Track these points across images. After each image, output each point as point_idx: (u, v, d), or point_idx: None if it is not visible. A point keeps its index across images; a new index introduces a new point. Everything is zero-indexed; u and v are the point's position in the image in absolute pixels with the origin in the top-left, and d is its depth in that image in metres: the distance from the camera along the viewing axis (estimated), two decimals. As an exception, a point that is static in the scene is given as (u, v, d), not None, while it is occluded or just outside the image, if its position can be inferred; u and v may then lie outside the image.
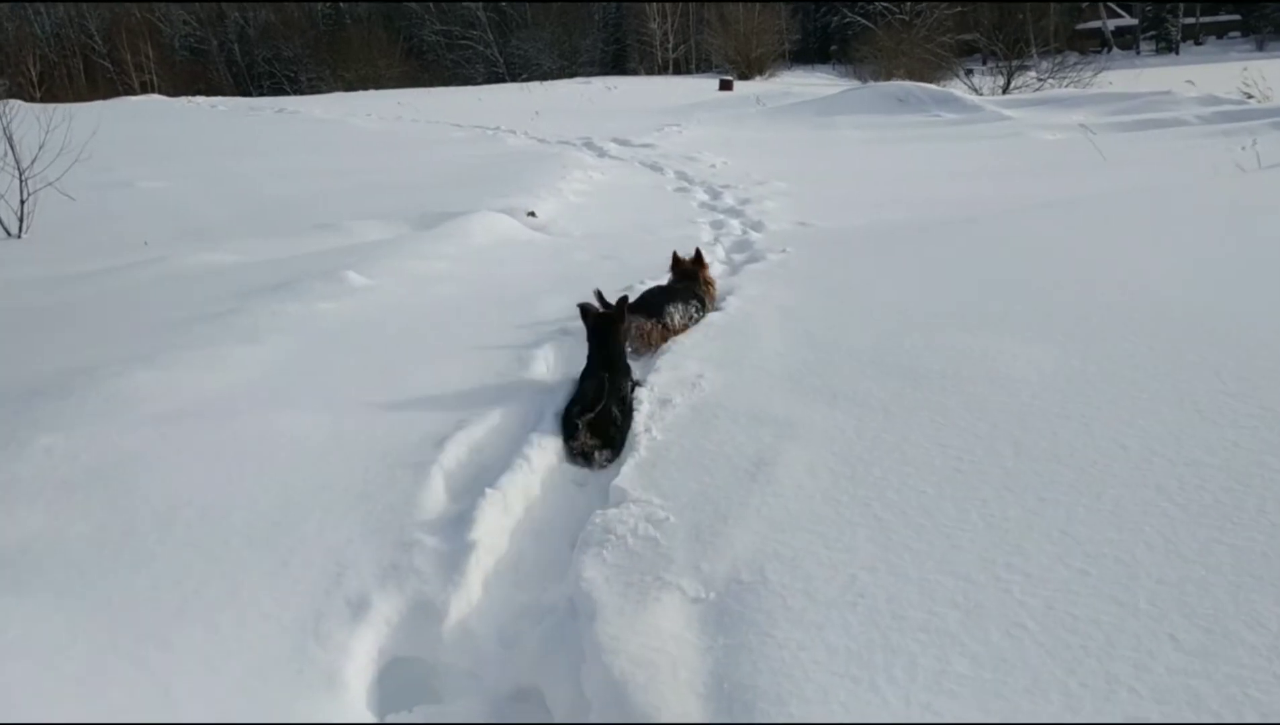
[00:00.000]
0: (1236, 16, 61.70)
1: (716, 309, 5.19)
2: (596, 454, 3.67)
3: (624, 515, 3.00)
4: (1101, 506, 2.78)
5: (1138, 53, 59.88)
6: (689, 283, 5.30)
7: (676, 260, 5.59)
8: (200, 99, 36.00)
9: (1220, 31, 62.46)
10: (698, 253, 5.62)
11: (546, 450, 3.59)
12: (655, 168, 13.92)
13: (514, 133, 19.83)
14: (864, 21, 61.08)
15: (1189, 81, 22.76)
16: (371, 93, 39.11)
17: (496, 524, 3.11)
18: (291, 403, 4.01)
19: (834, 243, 6.98)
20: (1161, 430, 3.18)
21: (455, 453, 3.51)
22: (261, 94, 63.38)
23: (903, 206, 9.92)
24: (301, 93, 59.26)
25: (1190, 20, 61.68)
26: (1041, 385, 3.68)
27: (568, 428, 3.77)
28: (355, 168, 13.76)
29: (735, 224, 9.02)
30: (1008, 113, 21.73)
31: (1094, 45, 55.15)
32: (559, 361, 4.57)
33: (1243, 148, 14.62)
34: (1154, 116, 19.61)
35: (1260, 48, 57.62)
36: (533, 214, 8.92)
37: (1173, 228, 6.26)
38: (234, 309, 5.35)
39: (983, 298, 4.93)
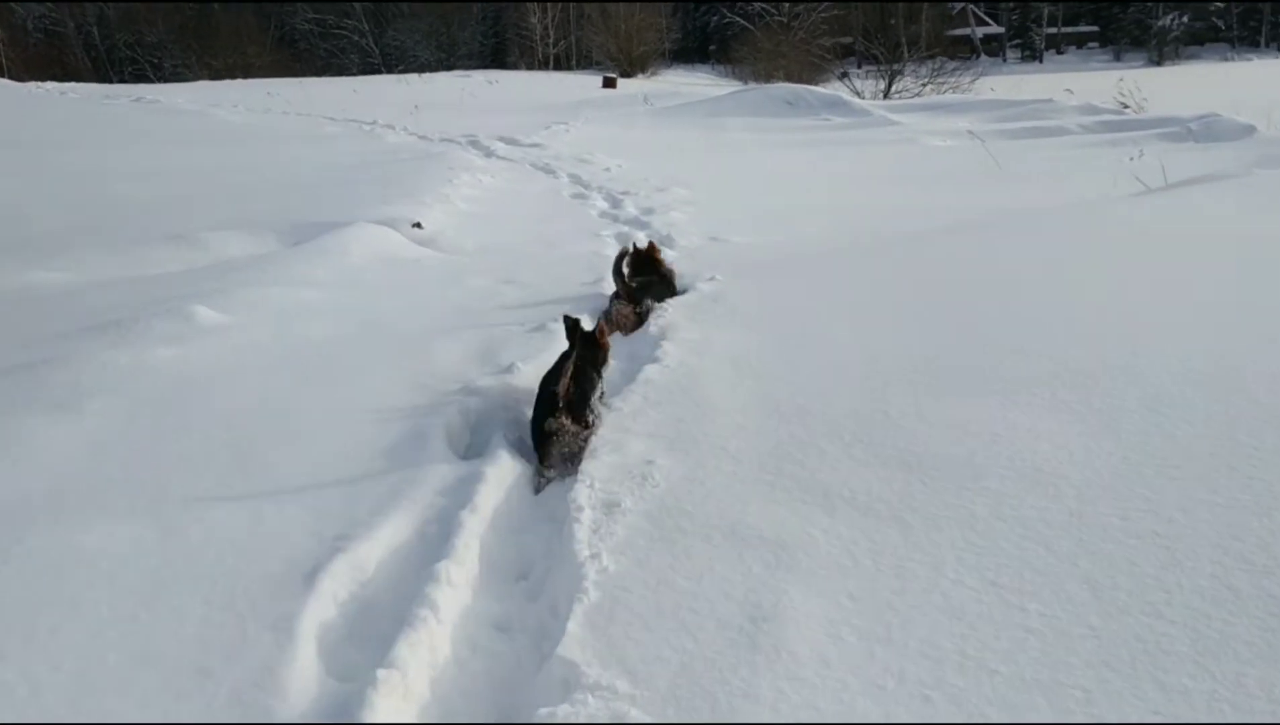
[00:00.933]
0: (1095, 28, 63.66)
1: (653, 361, 4.28)
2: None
3: (577, 715, 2.07)
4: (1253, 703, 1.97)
5: (1004, 60, 61.20)
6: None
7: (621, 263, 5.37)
8: (51, 85, 33.31)
9: (1080, 41, 64.37)
10: (650, 245, 5.73)
11: (458, 587, 2.62)
12: (548, 170, 12.94)
13: (393, 128, 18.53)
14: (743, 22, 60.99)
15: (1068, 90, 22.82)
16: (239, 82, 36.89)
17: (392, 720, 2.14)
18: (107, 506, 2.95)
19: (766, 268, 6.14)
20: (1267, 559, 2.41)
21: (332, 593, 2.52)
22: (122, 81, 59.83)
23: (819, 219, 9.18)
24: (165, 80, 56.04)
25: (1053, 30, 63.36)
26: (1084, 482, 2.88)
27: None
28: (219, 166, 12.37)
29: (644, 237, 8.12)
30: (895, 118, 21.43)
31: (964, 51, 56.10)
32: (465, 434, 3.61)
33: (1131, 159, 14.43)
34: (1039, 124, 19.55)
35: (1117, 58, 59.60)
36: (419, 225, 7.87)
37: (1133, 256, 5.61)
38: (49, 358, 4.20)
39: (962, 344, 4.15)
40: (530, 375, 3.90)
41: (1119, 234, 6.40)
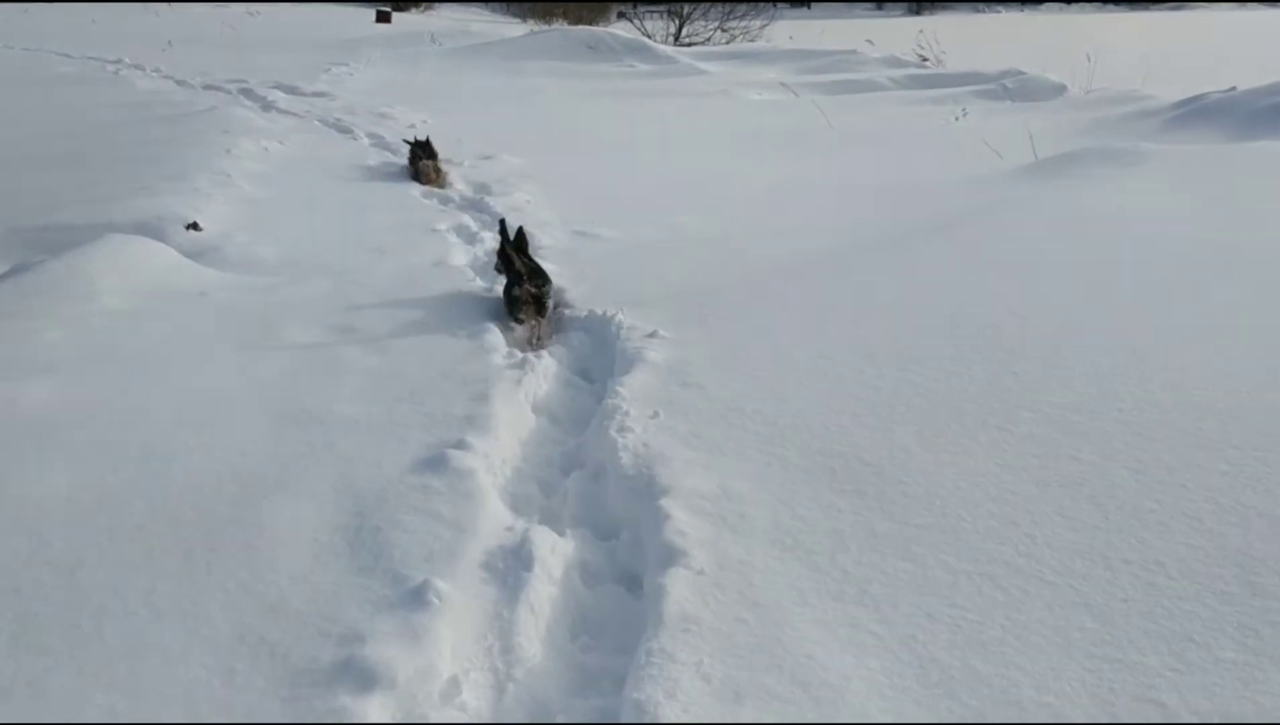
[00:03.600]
0: (858, -24, 64.25)
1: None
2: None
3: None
4: None
5: (775, 4, 60.84)
6: None
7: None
8: None
9: (844, -11, 64.87)
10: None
11: None
12: (343, 130, 10.59)
13: (142, 70, 15.26)
14: (517, -44, 57.88)
15: (869, 41, 21.93)
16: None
17: None
18: None
19: (693, 298, 4.39)
20: None
21: None
22: None
23: (684, 201, 7.51)
24: None
25: (819, -25, 63.54)
26: None
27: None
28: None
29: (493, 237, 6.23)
30: (703, 66, 19.98)
31: (735, -5, 55.32)
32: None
33: (956, 119, 13.56)
34: (849, 78, 18.61)
35: (879, 7, 60.48)
36: (195, 226, 5.64)
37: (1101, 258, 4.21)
38: None
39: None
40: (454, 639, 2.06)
41: (1092, 253, 5.02)
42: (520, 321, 4.24)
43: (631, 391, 3.36)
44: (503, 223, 5.48)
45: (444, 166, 8.57)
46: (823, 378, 3.43)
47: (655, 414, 3.15)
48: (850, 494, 2.66)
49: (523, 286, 4.31)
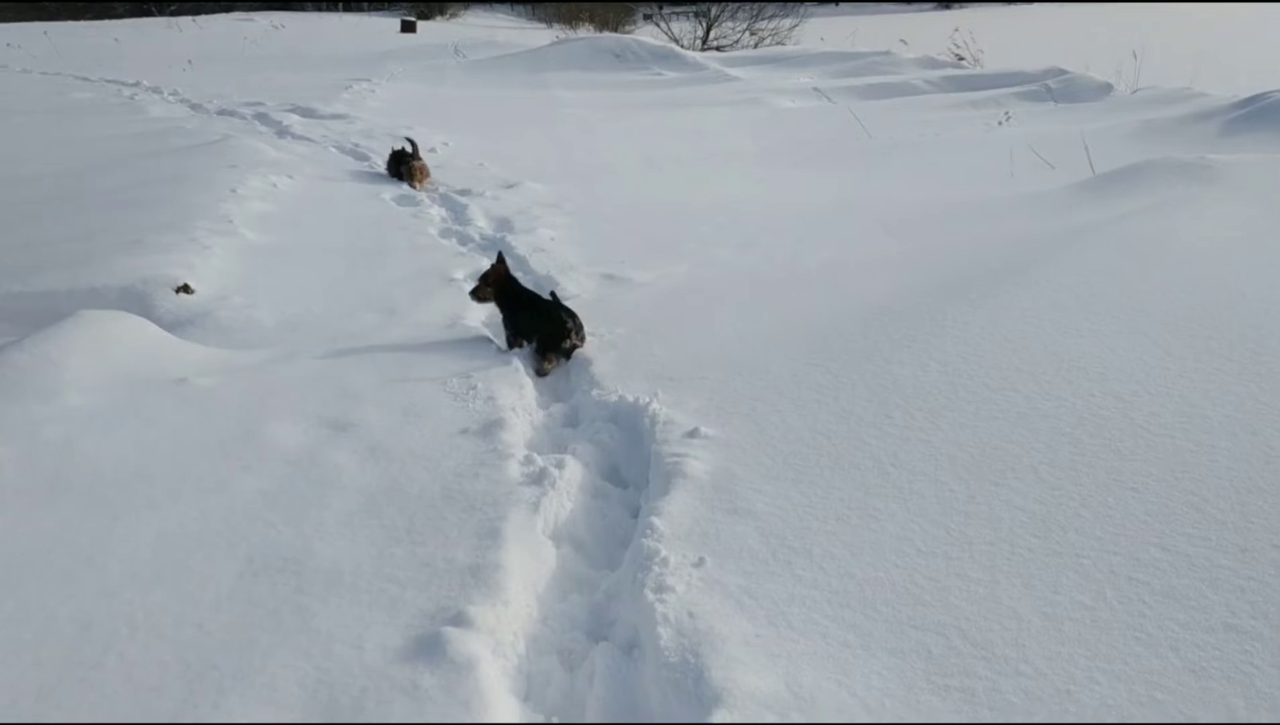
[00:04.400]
0: (886, -30, 63.25)
1: None
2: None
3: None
4: None
5: (802, 1, 60.01)
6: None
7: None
8: None
9: (871, -16, 63.84)
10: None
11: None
12: (360, 156, 10.07)
13: (159, 93, 14.83)
14: (542, -39, 57.40)
15: (902, 41, 21.24)
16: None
17: None
18: None
19: (740, 373, 3.79)
20: None
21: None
22: None
23: (720, 234, 6.91)
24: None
25: (845, -28, 62.54)
26: None
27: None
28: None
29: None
30: (732, 72, 19.33)
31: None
32: None
33: (999, 122, 12.90)
34: (884, 81, 17.92)
35: (907, 2, 59.42)
36: (186, 288, 5.11)
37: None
38: None
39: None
40: None
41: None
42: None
43: (670, 522, 2.76)
44: (499, 256, 5.13)
45: (463, 197, 8.03)
46: (899, 498, 2.82)
47: (700, 561, 2.56)
48: (955, 693, 2.06)
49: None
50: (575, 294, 5.59)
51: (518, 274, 6.08)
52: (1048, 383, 3.45)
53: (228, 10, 45.43)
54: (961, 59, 20.69)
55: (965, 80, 17.63)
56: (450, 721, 2.05)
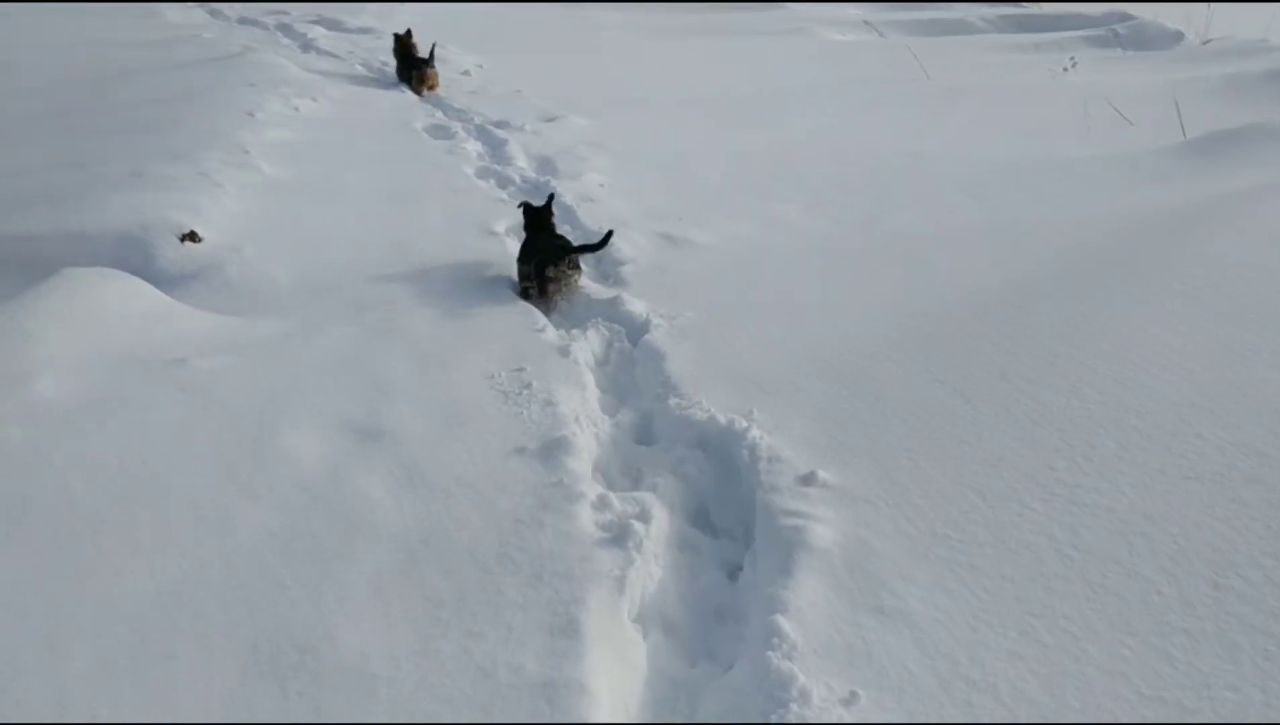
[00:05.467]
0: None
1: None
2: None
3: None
4: None
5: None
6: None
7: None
8: None
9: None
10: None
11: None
12: (388, 78, 9.24)
13: (178, -4, 13.99)
14: None
15: (954, -27, 20.04)
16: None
17: None
18: None
19: (844, 380, 3.11)
20: None
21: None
22: None
23: (781, 186, 6.19)
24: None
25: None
26: None
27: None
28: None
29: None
30: (778, -1, 18.22)
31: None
32: None
33: (1064, 69, 11.95)
34: (937, 17, 16.90)
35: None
36: (193, 236, 4.42)
37: None
38: None
39: None
40: None
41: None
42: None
43: (803, 627, 2.10)
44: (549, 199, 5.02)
45: (501, 130, 7.28)
46: (1093, 601, 2.15)
47: (852, 697, 1.91)
48: None
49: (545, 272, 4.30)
50: (632, 257, 4.89)
51: (565, 227, 5.39)
52: (1240, 428, 2.76)
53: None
54: (1016, -4, 19.52)
55: (1024, 20, 16.59)
56: None
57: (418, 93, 8.58)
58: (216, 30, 10.88)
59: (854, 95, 10.03)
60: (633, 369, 3.70)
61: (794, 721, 1.75)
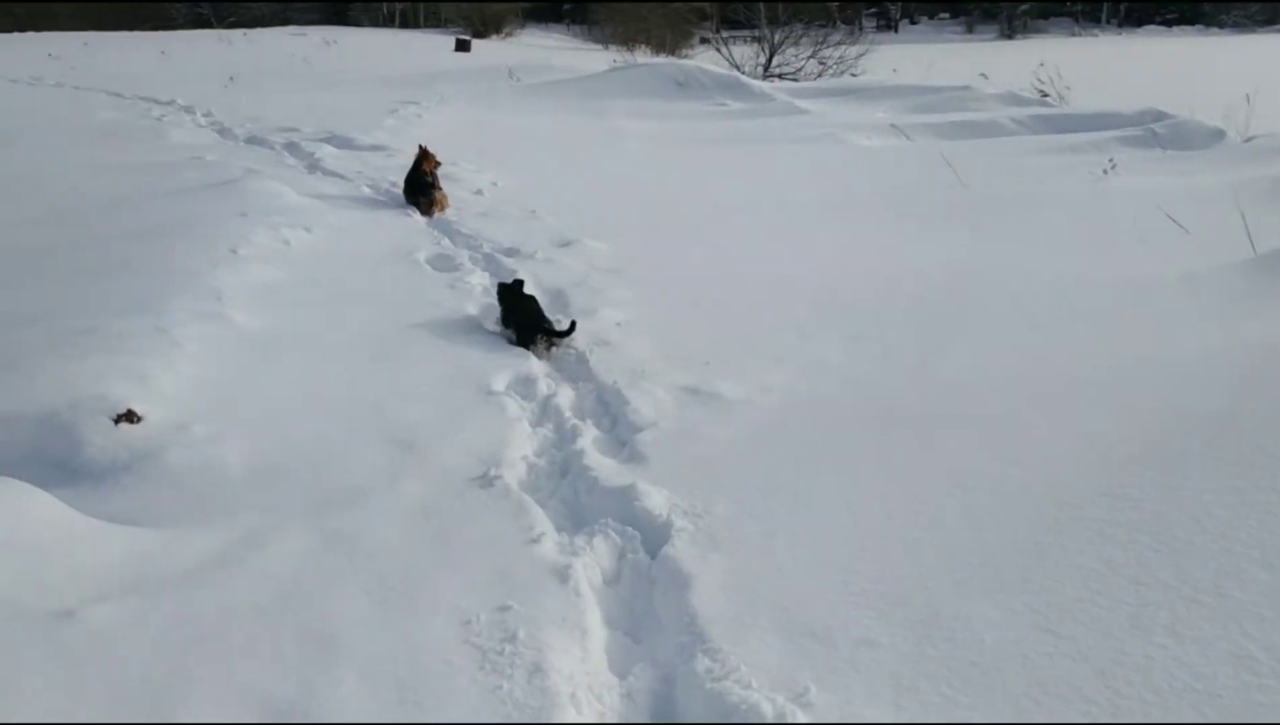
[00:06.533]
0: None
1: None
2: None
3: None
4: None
5: (860, 29, 58.57)
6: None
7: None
8: None
9: (932, 13, 62.13)
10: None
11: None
12: (395, 200, 8.67)
13: (191, 114, 13.54)
14: (599, -18, 56.34)
15: (982, 75, 19.65)
16: (29, 36, 30.15)
17: None
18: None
19: (938, 646, 2.31)
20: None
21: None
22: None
23: (826, 315, 5.51)
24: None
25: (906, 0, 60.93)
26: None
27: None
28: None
29: (587, 426, 4.20)
30: (802, 104, 17.77)
31: (820, 20, 53.15)
32: None
33: (1104, 171, 11.22)
34: (966, 119, 16.31)
35: (969, 30, 57.71)
36: (130, 416, 3.71)
37: None
38: None
39: None
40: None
41: None
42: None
43: None
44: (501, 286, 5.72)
45: (511, 258, 6.61)
46: None
47: None
48: None
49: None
50: (652, 421, 4.15)
51: (580, 382, 4.68)
52: None
53: (284, 24, 44.65)
54: (1046, 95, 18.98)
55: (1056, 120, 15.98)
56: None
57: (427, 215, 8.03)
58: (221, 151, 10.41)
59: (888, 206, 9.38)
60: (650, 592, 2.92)
61: (772, 721, 1.19)
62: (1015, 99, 17.97)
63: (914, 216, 8.78)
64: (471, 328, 5.36)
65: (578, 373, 4.89)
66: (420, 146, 8.42)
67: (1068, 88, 19.23)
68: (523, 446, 3.99)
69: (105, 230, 6.37)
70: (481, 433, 4.02)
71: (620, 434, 4.19)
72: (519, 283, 5.59)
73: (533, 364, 4.83)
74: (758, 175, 11.28)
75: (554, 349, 5.11)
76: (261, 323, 5.00)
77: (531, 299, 5.42)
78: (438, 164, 8.38)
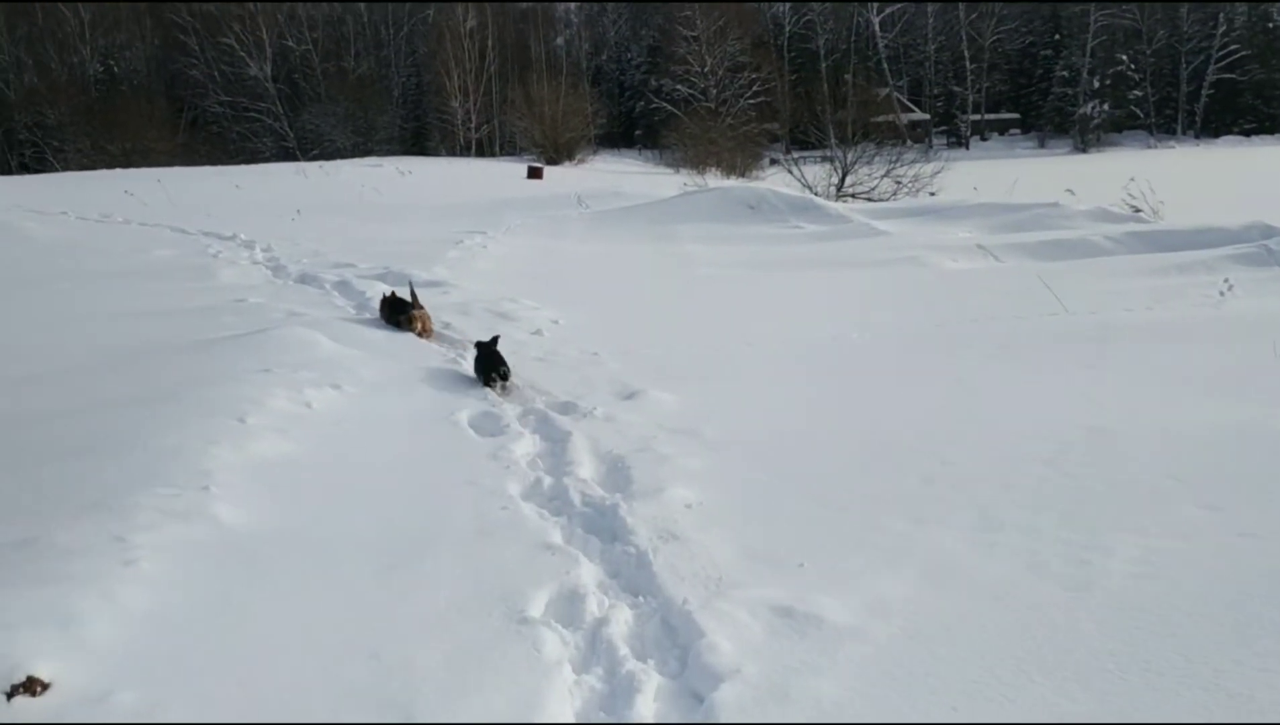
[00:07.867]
0: (1016, 115, 61.23)
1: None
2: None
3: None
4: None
5: (930, 146, 58.24)
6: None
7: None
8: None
9: (1003, 128, 61.58)
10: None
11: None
12: (446, 346, 7.84)
13: (251, 249, 13.06)
14: (670, 108, 57.04)
15: (1069, 191, 18.61)
16: (113, 173, 30.76)
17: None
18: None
19: None
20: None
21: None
22: (23, 166, 53.51)
23: (938, 490, 4.44)
24: (68, 166, 49.76)
25: (976, 116, 60.43)
26: None
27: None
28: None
29: (649, 672, 3.15)
30: (880, 225, 16.82)
31: (891, 138, 52.92)
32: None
33: (1220, 293, 9.97)
34: (1058, 237, 15.18)
35: (1041, 145, 56.94)
36: (29, 686, 2.74)
37: None
38: None
39: None
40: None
41: None
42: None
43: None
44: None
45: (566, 416, 5.63)
46: None
47: None
48: None
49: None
50: (734, 667, 3.11)
51: (634, 596, 3.63)
52: None
53: (364, 155, 45.57)
54: (1138, 211, 17.78)
55: (1154, 238, 14.74)
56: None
57: (418, 336, 8.05)
58: (268, 293, 9.73)
59: (986, 338, 8.28)
60: None
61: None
62: (1107, 215, 16.79)
63: (1015, 350, 7.68)
64: (509, 520, 4.34)
65: (638, 581, 3.83)
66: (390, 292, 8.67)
67: (1161, 202, 18.06)
68: (561, 708, 2.93)
69: (104, 393, 5.55)
70: (506, 688, 2.97)
71: (691, 682, 3.13)
72: (495, 339, 6.87)
73: (582, 572, 3.79)
74: (837, 302, 10.33)
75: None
76: (252, 519, 4.03)
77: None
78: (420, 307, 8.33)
